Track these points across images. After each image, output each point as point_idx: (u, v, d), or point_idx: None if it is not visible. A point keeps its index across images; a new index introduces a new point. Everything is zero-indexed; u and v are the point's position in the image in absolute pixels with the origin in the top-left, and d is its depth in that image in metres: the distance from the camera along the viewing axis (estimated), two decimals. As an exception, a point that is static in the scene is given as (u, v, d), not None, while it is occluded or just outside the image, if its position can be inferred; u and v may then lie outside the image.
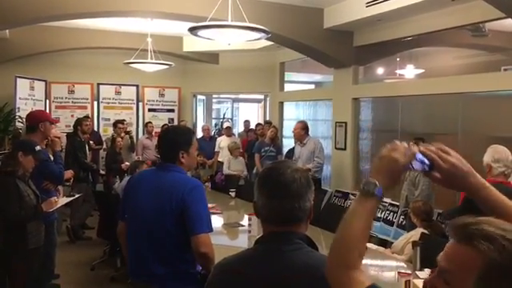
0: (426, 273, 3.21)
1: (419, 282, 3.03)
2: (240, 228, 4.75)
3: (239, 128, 13.00)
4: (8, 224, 3.35)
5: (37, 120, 4.04)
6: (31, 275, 3.49)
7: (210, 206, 5.14)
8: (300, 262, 1.29)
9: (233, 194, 6.43)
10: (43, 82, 9.08)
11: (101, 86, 9.69)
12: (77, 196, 4.87)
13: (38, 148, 3.58)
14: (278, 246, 1.32)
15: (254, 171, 7.78)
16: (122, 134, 8.13)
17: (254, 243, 1.40)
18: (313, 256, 1.32)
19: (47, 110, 8.84)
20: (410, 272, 2.99)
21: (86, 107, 9.56)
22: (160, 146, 2.66)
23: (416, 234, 4.01)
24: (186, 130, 2.80)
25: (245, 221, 4.76)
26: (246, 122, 10.82)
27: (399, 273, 2.78)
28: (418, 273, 3.22)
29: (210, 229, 2.45)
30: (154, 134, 8.85)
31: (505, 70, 6.75)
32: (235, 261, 1.41)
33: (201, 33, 4.78)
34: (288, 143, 9.14)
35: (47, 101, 9.22)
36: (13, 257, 3.36)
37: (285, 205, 1.33)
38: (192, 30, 4.65)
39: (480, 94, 5.70)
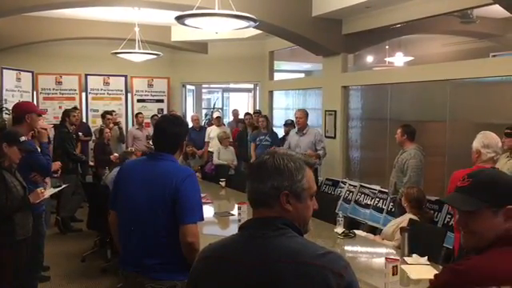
0: (413, 258, 3.24)
1: (407, 268, 3.07)
2: (230, 217, 4.75)
3: (229, 118, 12.97)
4: None
5: (23, 111, 4.00)
6: (20, 266, 3.47)
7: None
8: (284, 247, 1.29)
9: (223, 184, 6.42)
10: (30, 73, 8.97)
11: (89, 76, 9.60)
12: (64, 186, 4.83)
13: (22, 139, 3.53)
14: (261, 231, 1.32)
15: (251, 161, 7.78)
16: (111, 125, 8.08)
17: (239, 229, 1.40)
18: (297, 241, 1.32)
19: (35, 102, 8.74)
20: (397, 258, 3.01)
21: (74, 98, 9.48)
22: (161, 136, 2.58)
23: (405, 219, 4.05)
24: (185, 120, 2.89)
25: (235, 210, 4.76)
26: (235, 111, 10.79)
27: (386, 258, 2.80)
28: (406, 258, 3.25)
29: (201, 218, 2.44)
30: (144, 124, 8.82)
31: (493, 56, 6.80)
32: (219, 247, 1.41)
33: (188, 21, 4.74)
34: (278, 132, 9.13)
35: (34, 92, 9.11)
36: (1, 248, 3.34)
37: (257, 184, 1.36)
38: (179, 18, 4.61)
39: (468, 80, 5.72)
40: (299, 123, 6.65)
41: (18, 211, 3.38)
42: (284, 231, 1.32)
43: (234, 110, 10.99)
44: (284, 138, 7.51)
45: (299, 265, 1.24)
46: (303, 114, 6.69)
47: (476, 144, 3.44)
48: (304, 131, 6.63)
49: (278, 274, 1.25)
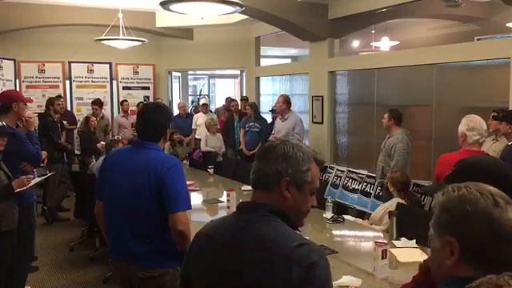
0: (402, 242, 3.28)
1: (396, 251, 3.10)
2: (219, 204, 4.75)
3: (216, 104, 12.89)
4: None
5: (10, 100, 3.89)
6: (6, 258, 3.42)
7: (188, 183, 5.15)
8: (261, 234, 1.31)
9: (211, 171, 6.42)
10: (12, 62, 8.80)
11: (72, 64, 9.44)
12: (49, 174, 4.76)
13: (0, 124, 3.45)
14: (248, 215, 1.36)
15: (239, 147, 7.78)
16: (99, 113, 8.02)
17: (236, 209, 1.45)
18: (277, 229, 1.32)
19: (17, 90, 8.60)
20: (386, 241, 3.04)
21: (57, 86, 9.33)
22: (145, 124, 2.56)
23: (393, 203, 4.08)
24: (168, 108, 2.88)
25: (224, 197, 4.77)
26: (229, 99, 10.61)
27: (376, 242, 2.82)
28: (394, 242, 3.29)
29: (189, 206, 2.44)
30: (130, 112, 8.73)
31: (478, 39, 6.84)
32: (213, 224, 1.48)
33: (173, 7, 4.66)
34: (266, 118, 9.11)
35: (17, 80, 8.96)
36: None
37: (262, 165, 1.39)
38: (164, 4, 4.54)
39: (454, 64, 5.75)
40: (277, 109, 6.86)
41: (1, 200, 3.31)
42: (269, 218, 1.34)
43: (228, 97, 10.82)
44: (272, 124, 7.51)
45: (267, 253, 1.26)
46: (280, 99, 6.87)
47: (461, 127, 3.49)
48: (285, 117, 6.74)
49: (247, 259, 1.29)
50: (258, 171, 1.40)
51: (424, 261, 1.55)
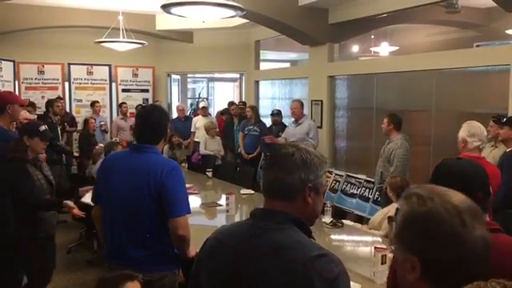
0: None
1: (395, 256, 3.09)
2: (218, 208, 4.74)
3: (215, 108, 12.88)
4: (21, 208, 3.23)
5: (4, 102, 3.87)
6: (45, 264, 3.42)
7: (187, 186, 5.16)
8: (277, 242, 1.28)
9: (210, 174, 6.41)
10: (11, 63, 8.79)
11: (72, 65, 9.44)
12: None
13: (42, 128, 3.44)
14: (263, 223, 1.34)
15: (238, 151, 7.77)
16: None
17: (250, 215, 1.42)
18: (294, 237, 1.30)
19: (17, 92, 8.59)
20: (385, 247, 3.04)
21: (57, 88, 9.32)
22: (144, 127, 2.54)
23: (392, 208, 4.08)
24: (165, 109, 2.88)
25: (222, 200, 4.76)
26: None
27: (375, 248, 2.81)
28: (393, 247, 3.28)
29: (188, 211, 2.43)
30: (128, 114, 8.73)
31: (477, 46, 6.86)
32: (225, 230, 1.46)
33: (174, 10, 4.67)
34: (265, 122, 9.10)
35: (16, 82, 8.95)
36: (25, 243, 3.27)
37: (284, 175, 1.35)
38: (165, 7, 4.54)
39: (453, 70, 5.77)
40: (294, 114, 6.70)
41: (45, 209, 3.34)
42: (285, 226, 1.32)
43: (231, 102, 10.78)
44: (271, 128, 7.49)
45: (282, 260, 1.24)
46: (297, 104, 6.74)
47: (462, 133, 3.48)
48: (300, 122, 6.66)
49: (261, 266, 1.27)
50: (275, 181, 1.36)
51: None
